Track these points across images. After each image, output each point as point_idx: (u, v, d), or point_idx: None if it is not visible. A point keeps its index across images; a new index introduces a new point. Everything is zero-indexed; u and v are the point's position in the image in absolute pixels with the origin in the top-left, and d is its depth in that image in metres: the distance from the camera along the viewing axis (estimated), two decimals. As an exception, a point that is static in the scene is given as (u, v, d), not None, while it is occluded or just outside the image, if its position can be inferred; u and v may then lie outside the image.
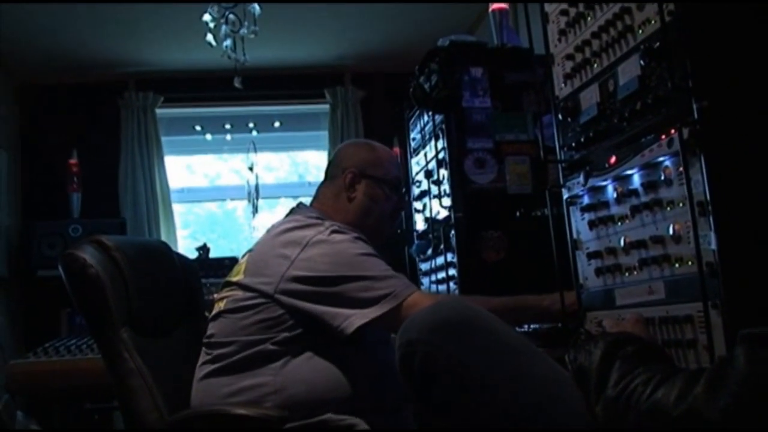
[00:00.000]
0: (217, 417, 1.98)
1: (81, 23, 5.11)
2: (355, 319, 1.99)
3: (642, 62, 1.70)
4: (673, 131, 1.58)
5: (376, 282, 2.02)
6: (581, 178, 1.98)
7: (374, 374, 2.09)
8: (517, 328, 2.32)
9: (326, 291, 2.03)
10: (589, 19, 1.95)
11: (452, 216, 3.03)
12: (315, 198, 2.41)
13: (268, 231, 2.26)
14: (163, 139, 5.98)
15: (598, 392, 1.39)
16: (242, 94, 4.75)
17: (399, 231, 4.69)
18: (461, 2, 4.81)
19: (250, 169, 5.42)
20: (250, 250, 2.26)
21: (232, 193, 6.19)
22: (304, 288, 2.04)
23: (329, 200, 2.37)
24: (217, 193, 6.36)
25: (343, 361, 2.05)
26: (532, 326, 2.31)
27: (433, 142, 3.19)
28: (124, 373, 2.04)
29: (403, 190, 2.50)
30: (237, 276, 2.18)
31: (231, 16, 3.99)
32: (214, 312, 2.18)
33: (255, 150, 5.56)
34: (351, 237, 2.12)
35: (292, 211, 2.38)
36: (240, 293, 2.12)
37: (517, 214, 3.00)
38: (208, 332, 2.17)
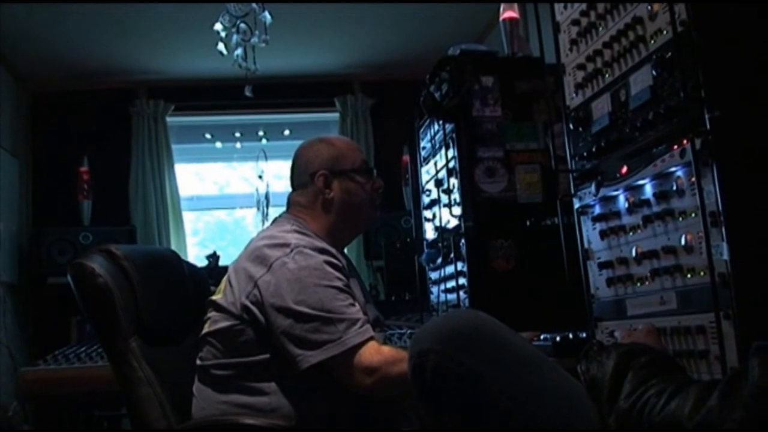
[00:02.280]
0: (226, 427, 1.98)
1: (93, 32, 5.14)
2: (302, 360, 1.97)
3: (654, 72, 1.70)
4: (685, 141, 1.58)
5: (325, 325, 1.97)
6: (593, 188, 1.97)
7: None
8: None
9: (281, 324, 2.00)
10: (600, 29, 1.95)
11: (462, 225, 3.02)
12: (290, 208, 2.37)
13: (251, 241, 2.25)
14: (174, 146, 5.99)
15: (611, 403, 1.38)
16: (252, 103, 4.76)
17: (408, 239, 4.69)
18: (472, 2, 4.78)
19: (260, 177, 5.43)
20: (234, 262, 2.24)
21: (241, 201, 6.18)
22: (263, 313, 2.04)
23: (306, 208, 2.32)
24: (227, 201, 6.36)
25: (322, 384, 2.03)
26: (543, 336, 2.30)
27: (443, 151, 3.19)
28: (133, 382, 2.05)
29: (372, 168, 2.45)
30: (217, 295, 2.18)
31: (242, 26, 4.00)
32: (201, 333, 2.17)
33: (265, 158, 5.57)
34: (315, 262, 2.07)
35: (275, 221, 2.37)
36: (217, 315, 2.13)
37: (528, 223, 2.99)
38: (200, 354, 2.17)
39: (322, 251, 2.12)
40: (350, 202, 2.33)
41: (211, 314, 2.15)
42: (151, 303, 2.17)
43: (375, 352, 1.96)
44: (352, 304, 2.05)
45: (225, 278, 2.20)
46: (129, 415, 2.10)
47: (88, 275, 2.06)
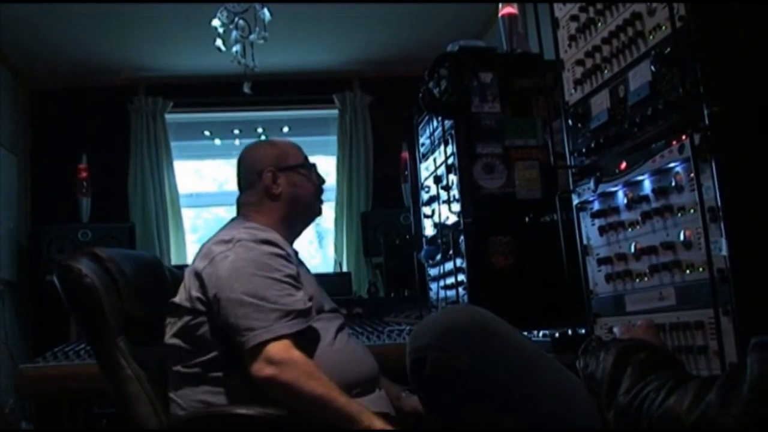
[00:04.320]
0: (218, 418, 2.02)
1: (91, 29, 5.13)
2: (243, 346, 2.02)
3: (653, 68, 1.70)
4: (684, 137, 1.58)
5: (257, 312, 2.03)
6: (591, 184, 1.97)
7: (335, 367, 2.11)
8: (528, 335, 2.32)
9: (223, 313, 2.06)
10: (599, 24, 1.95)
11: (461, 221, 3.02)
12: (240, 209, 2.45)
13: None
14: (172, 143, 6.00)
15: (610, 399, 1.38)
16: (251, 99, 4.76)
17: (408, 236, 4.70)
18: (472, 1, 4.78)
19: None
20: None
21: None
22: (209, 305, 2.10)
23: (255, 206, 2.41)
24: (226, 198, 6.33)
25: None
26: (542, 332, 2.30)
27: (442, 148, 3.19)
28: (122, 379, 2.09)
29: (314, 164, 2.55)
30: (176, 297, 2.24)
31: (241, 22, 3.99)
32: (165, 340, 2.21)
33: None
34: (255, 254, 2.14)
35: (227, 224, 2.43)
36: (173, 318, 2.19)
37: (527, 219, 2.99)
38: (168, 363, 2.21)
39: (264, 242, 2.19)
40: (298, 194, 2.42)
41: (169, 319, 2.21)
42: (135, 303, 2.22)
43: (287, 348, 2.01)
44: (291, 295, 2.11)
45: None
46: (118, 412, 2.12)
47: (75, 276, 2.11)
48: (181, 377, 2.14)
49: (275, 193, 2.39)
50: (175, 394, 2.14)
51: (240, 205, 2.45)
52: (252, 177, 2.42)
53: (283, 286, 2.11)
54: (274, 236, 2.25)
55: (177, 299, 2.18)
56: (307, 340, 2.11)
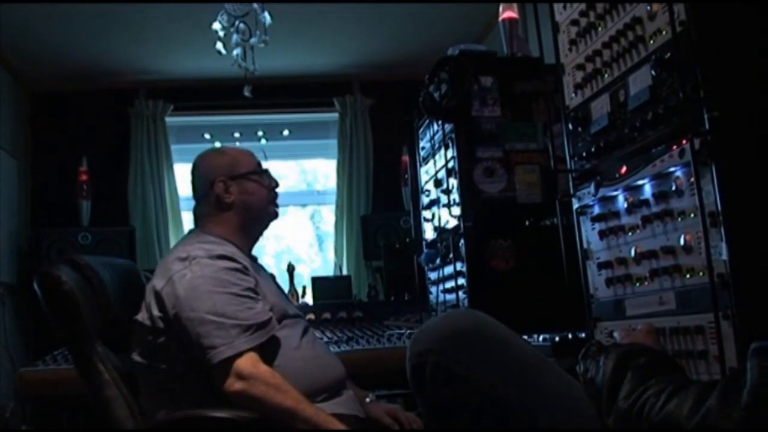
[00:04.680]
0: (195, 420, 2.04)
1: (92, 32, 5.13)
2: (208, 363, 2.04)
3: (653, 72, 1.70)
4: (684, 141, 1.58)
5: (218, 330, 2.05)
6: (592, 188, 1.98)
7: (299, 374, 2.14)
8: (528, 339, 2.32)
9: (185, 332, 2.09)
10: (599, 29, 1.95)
11: (461, 225, 3.02)
12: (198, 221, 2.47)
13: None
14: (173, 147, 5.98)
15: (610, 404, 1.38)
16: (251, 103, 4.75)
17: (408, 239, 4.68)
18: (472, 1, 4.77)
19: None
20: None
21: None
22: (170, 323, 2.13)
23: (210, 217, 2.43)
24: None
25: None
26: (542, 336, 2.30)
27: (442, 151, 3.19)
28: (100, 384, 2.12)
29: (267, 170, 2.55)
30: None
31: (241, 26, 3.99)
32: (132, 359, 2.23)
33: (265, 158, 5.56)
34: (211, 270, 2.16)
35: (184, 237, 2.48)
36: (136, 336, 2.22)
37: (527, 223, 2.99)
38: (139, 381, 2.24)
39: (220, 257, 2.21)
40: (251, 201, 2.43)
41: (133, 336, 2.23)
42: (113, 309, 2.25)
43: (253, 363, 2.04)
44: (250, 308, 2.13)
45: None
46: (97, 415, 2.15)
47: (54, 282, 2.14)
48: (148, 393, 2.19)
49: (228, 203, 2.40)
50: (148, 412, 2.18)
51: (196, 216, 2.48)
52: (205, 187, 2.44)
53: (241, 300, 2.13)
54: (230, 250, 2.27)
55: (139, 317, 2.20)
56: (272, 349, 2.15)
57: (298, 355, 2.24)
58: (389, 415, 2.40)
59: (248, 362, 2.02)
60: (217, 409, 2.02)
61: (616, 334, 1.80)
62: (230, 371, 2.00)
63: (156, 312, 2.15)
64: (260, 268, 2.47)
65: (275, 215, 2.53)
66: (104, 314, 2.21)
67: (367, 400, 2.42)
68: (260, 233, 2.55)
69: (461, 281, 3.05)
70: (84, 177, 5.52)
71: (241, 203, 2.41)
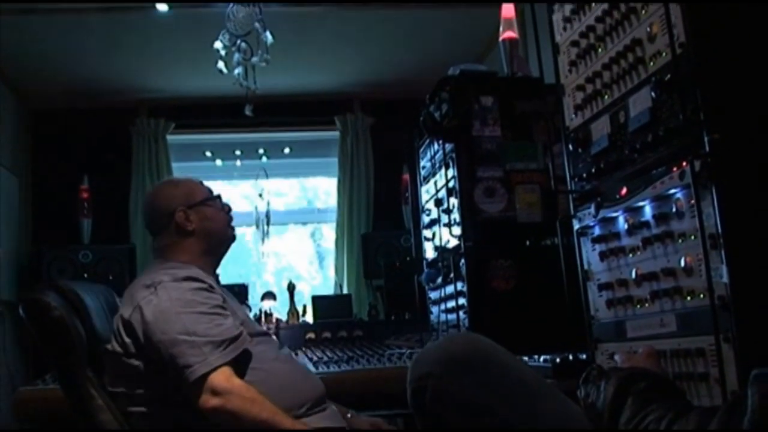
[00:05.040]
0: None
1: (93, 49, 5.14)
2: (184, 382, 2.05)
3: (653, 94, 1.71)
4: (684, 163, 1.58)
5: (190, 348, 2.07)
6: (592, 209, 1.98)
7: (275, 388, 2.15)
8: (529, 360, 2.31)
9: (158, 356, 2.10)
10: (599, 50, 1.96)
11: (462, 245, 3.02)
12: (160, 252, 2.48)
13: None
14: (174, 165, 5.98)
15: (611, 429, 1.37)
16: (252, 121, 4.76)
17: (408, 258, 4.68)
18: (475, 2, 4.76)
19: (260, 196, 5.43)
20: None
21: (241, 219, 6.15)
22: (142, 348, 2.15)
23: (172, 246, 2.45)
24: (227, 219, 6.33)
25: None
26: (543, 357, 2.29)
27: (443, 171, 3.19)
28: (94, 409, 2.14)
29: (219, 195, 2.61)
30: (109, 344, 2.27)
31: (243, 45, 4.01)
32: (109, 389, 2.24)
33: (266, 176, 5.57)
34: (177, 293, 2.18)
35: (147, 268, 2.50)
36: (110, 364, 2.23)
37: (527, 243, 2.99)
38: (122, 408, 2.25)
39: (185, 279, 2.24)
40: (211, 226, 2.49)
41: (107, 368, 2.24)
42: (96, 334, 2.26)
43: (227, 378, 2.05)
44: (220, 324, 2.16)
45: None
46: None
47: (44, 309, 2.14)
48: (126, 420, 2.20)
49: (189, 230, 2.44)
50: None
51: (157, 249, 2.50)
52: (163, 220, 2.46)
53: (211, 318, 2.16)
54: (194, 272, 2.30)
55: (110, 347, 2.22)
56: (245, 363, 2.17)
57: (278, 366, 2.28)
58: (373, 427, 2.43)
59: (222, 377, 2.04)
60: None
61: (616, 357, 1.80)
62: (205, 388, 2.02)
63: (127, 339, 2.17)
64: (224, 290, 2.51)
65: (233, 238, 2.60)
66: (90, 340, 2.22)
67: (348, 415, 2.44)
68: (222, 256, 2.60)
69: (462, 301, 3.04)
70: (85, 194, 5.52)
71: (202, 229, 2.46)
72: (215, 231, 2.50)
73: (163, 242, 2.47)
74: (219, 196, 2.59)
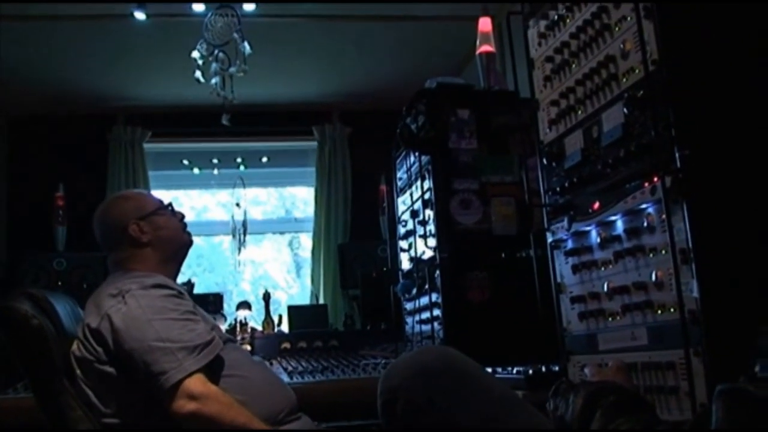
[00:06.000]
0: None
1: (71, 56, 5.12)
2: (160, 390, 2.04)
3: (626, 110, 1.73)
4: (656, 179, 1.60)
5: (165, 355, 2.06)
6: (565, 223, 1.99)
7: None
8: (502, 371, 2.32)
9: (132, 364, 2.08)
10: (573, 66, 1.98)
11: (437, 256, 3.03)
12: (119, 265, 2.45)
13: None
14: (150, 173, 5.96)
15: (580, 441, 1.38)
16: (230, 130, 4.76)
17: (385, 269, 4.68)
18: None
19: (237, 205, 5.42)
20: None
21: (218, 228, 6.14)
22: (112, 355, 2.13)
23: (130, 259, 2.43)
24: (204, 228, 6.31)
25: None
26: (516, 368, 2.30)
27: (419, 182, 3.20)
28: (73, 420, 2.11)
29: (170, 203, 2.60)
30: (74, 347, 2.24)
31: (221, 54, 4.01)
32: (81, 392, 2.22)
33: (243, 185, 5.56)
34: (146, 301, 2.16)
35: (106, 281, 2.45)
36: (80, 370, 2.20)
37: (502, 255, 3.00)
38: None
39: (153, 286, 2.23)
40: (165, 234, 2.48)
41: (77, 371, 2.20)
42: (68, 343, 2.22)
43: (202, 383, 2.05)
44: (192, 330, 2.15)
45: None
46: None
47: (21, 318, 2.11)
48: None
49: (144, 241, 2.43)
50: None
51: (115, 263, 2.47)
52: (117, 235, 2.45)
53: (182, 324, 2.15)
54: (160, 279, 2.29)
55: (79, 354, 2.19)
56: (217, 369, 2.17)
57: (254, 373, 2.27)
58: None
59: (198, 382, 2.03)
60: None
61: (586, 370, 1.81)
62: (180, 393, 2.01)
63: (98, 347, 2.14)
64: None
65: (190, 242, 2.59)
66: (65, 349, 2.19)
67: (316, 423, 2.44)
68: (181, 262, 2.60)
69: (437, 312, 3.05)
70: (60, 202, 5.48)
71: (156, 239, 2.45)
72: (170, 238, 2.49)
73: (120, 256, 2.45)
74: (170, 204, 2.58)
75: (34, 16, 4.57)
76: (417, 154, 3.23)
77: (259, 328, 4.63)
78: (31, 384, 2.22)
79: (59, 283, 5.03)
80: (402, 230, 3.58)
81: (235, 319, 4.56)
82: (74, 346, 2.21)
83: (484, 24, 3.43)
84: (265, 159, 6.21)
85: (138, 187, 5.76)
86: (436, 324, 3.06)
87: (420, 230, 3.20)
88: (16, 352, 2.14)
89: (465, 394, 1.53)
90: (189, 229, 2.60)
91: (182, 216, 2.59)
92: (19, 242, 5.67)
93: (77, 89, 5.61)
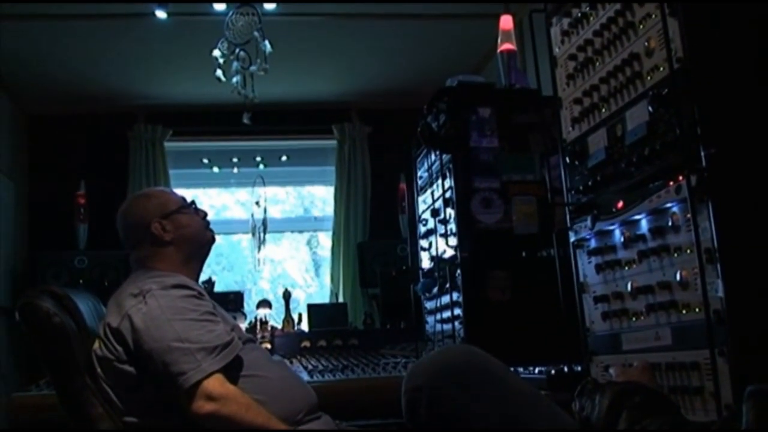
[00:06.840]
0: None
1: (91, 55, 5.15)
2: (180, 389, 2.05)
3: (650, 108, 1.71)
4: (681, 177, 1.59)
5: (184, 356, 2.07)
6: (588, 222, 1.98)
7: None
8: (524, 371, 2.32)
9: (152, 364, 2.10)
10: (597, 64, 1.96)
11: (458, 255, 3.02)
12: (140, 263, 2.45)
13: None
14: (171, 171, 5.99)
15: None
16: (250, 129, 4.75)
17: (404, 267, 4.67)
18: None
19: (257, 204, 5.43)
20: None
21: (238, 226, 6.16)
22: (132, 355, 2.14)
23: (152, 257, 2.44)
24: (224, 226, 6.31)
25: None
26: (538, 368, 2.29)
27: (440, 181, 3.19)
28: (95, 417, 2.13)
29: (193, 201, 2.60)
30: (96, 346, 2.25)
31: (241, 53, 4.01)
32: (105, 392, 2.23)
33: (263, 183, 5.57)
34: (166, 301, 2.17)
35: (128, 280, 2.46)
36: (101, 369, 2.20)
37: (524, 254, 2.99)
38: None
39: (174, 287, 2.24)
40: (188, 232, 2.48)
41: (98, 370, 2.21)
42: (91, 341, 2.24)
43: (221, 383, 2.06)
44: (211, 330, 2.16)
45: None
46: None
47: (43, 315, 2.12)
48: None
49: (167, 240, 2.43)
50: None
51: (137, 260, 2.47)
52: (140, 233, 2.45)
53: (202, 324, 2.16)
54: (181, 279, 2.30)
55: (100, 352, 2.20)
56: (236, 369, 2.17)
57: (274, 373, 2.28)
58: None
59: (216, 383, 2.04)
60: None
61: (611, 371, 1.80)
62: (199, 394, 2.02)
63: (118, 347, 2.15)
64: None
65: (213, 239, 2.59)
66: (87, 347, 2.20)
67: (336, 422, 2.44)
68: (203, 260, 2.60)
69: (457, 311, 3.04)
70: (81, 200, 5.51)
71: (179, 237, 2.45)
72: (193, 236, 2.49)
73: (143, 254, 2.45)
74: (193, 202, 2.59)
75: (56, 15, 4.61)
76: (438, 152, 3.21)
77: (279, 326, 4.64)
78: (53, 381, 2.24)
79: (80, 281, 5.06)
80: (422, 229, 3.57)
81: (255, 317, 4.58)
82: (96, 345, 2.23)
83: (506, 22, 3.41)
84: (284, 158, 6.23)
85: (159, 185, 5.78)
86: (456, 323, 3.05)
87: (441, 229, 3.19)
88: (38, 349, 2.16)
89: (490, 393, 1.53)
90: (217, 228, 2.61)
91: (205, 214, 2.59)
92: (40, 241, 5.71)
93: (98, 88, 5.64)
